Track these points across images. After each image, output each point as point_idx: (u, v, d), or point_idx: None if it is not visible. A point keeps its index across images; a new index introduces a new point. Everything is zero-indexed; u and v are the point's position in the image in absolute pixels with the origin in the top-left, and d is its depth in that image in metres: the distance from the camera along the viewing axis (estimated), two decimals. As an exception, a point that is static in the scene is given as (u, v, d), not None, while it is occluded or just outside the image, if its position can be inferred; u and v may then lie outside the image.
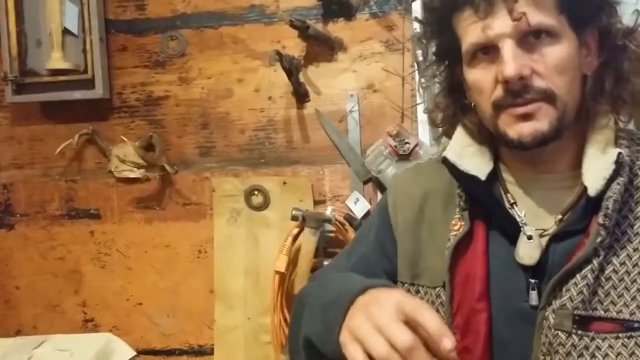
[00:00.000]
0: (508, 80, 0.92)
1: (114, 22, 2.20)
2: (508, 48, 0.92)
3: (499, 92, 0.94)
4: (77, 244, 2.25)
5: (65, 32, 2.17)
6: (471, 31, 0.95)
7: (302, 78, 2.08)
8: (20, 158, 2.28)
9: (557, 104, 0.93)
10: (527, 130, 0.94)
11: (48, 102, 2.22)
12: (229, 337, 2.15)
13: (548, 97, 0.93)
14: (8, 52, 2.15)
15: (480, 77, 0.96)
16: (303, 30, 1.99)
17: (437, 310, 1.03)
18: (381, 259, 1.15)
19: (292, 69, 2.00)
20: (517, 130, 0.94)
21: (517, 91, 0.92)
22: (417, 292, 1.07)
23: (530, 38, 0.93)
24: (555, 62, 0.93)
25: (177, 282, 2.21)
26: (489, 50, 0.94)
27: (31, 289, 2.28)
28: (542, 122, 0.93)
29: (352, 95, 2.09)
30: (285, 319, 2.06)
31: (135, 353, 2.20)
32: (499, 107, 0.95)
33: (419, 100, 2.04)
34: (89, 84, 2.16)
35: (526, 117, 0.93)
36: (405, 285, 1.09)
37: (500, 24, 0.92)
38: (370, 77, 2.09)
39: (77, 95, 2.17)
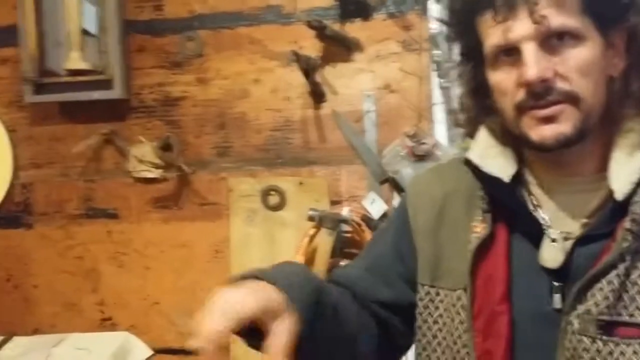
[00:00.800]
0: (530, 82, 0.90)
1: (132, 23, 2.21)
2: (530, 51, 0.90)
3: (521, 94, 0.93)
4: (95, 244, 2.27)
5: (84, 32, 2.18)
6: (493, 33, 0.94)
7: (318, 78, 2.08)
8: (39, 158, 2.30)
9: (581, 106, 0.92)
10: (549, 133, 0.92)
11: (67, 102, 2.24)
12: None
13: (571, 99, 0.91)
14: (27, 53, 2.17)
15: (502, 80, 0.95)
16: (320, 31, 1.99)
17: (458, 313, 1.02)
18: (395, 262, 1.14)
19: (309, 69, 2.00)
20: (539, 132, 0.93)
21: (539, 93, 0.91)
22: (437, 294, 1.06)
23: (553, 40, 0.91)
24: (579, 64, 0.91)
25: (194, 281, 2.21)
26: (511, 53, 0.93)
27: (49, 288, 2.30)
28: (565, 124, 0.92)
29: (369, 96, 2.09)
30: (301, 319, 2.05)
31: (152, 352, 2.21)
32: (521, 109, 0.94)
33: (436, 100, 2.03)
34: (107, 84, 2.17)
35: (549, 119, 0.92)
36: (425, 287, 1.08)
37: (522, 26, 0.91)
38: (387, 77, 2.08)
39: (96, 95, 2.19)
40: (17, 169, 2.30)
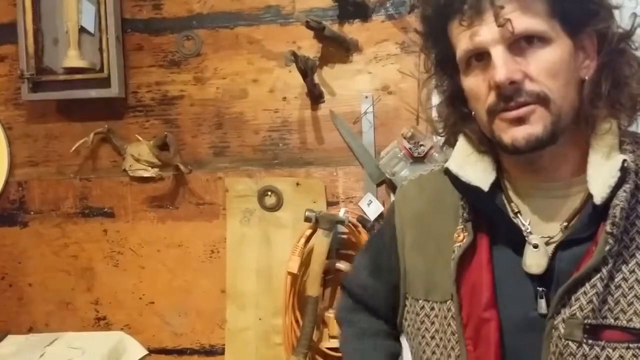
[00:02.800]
0: (499, 85, 0.92)
1: (130, 21, 2.21)
2: (498, 54, 0.92)
3: (492, 97, 0.94)
4: (91, 242, 2.26)
5: (82, 30, 2.18)
6: (463, 39, 0.95)
7: (317, 79, 2.08)
8: (35, 156, 2.29)
9: (551, 107, 0.92)
10: (520, 135, 0.93)
11: (64, 101, 2.23)
12: (240, 338, 2.15)
13: (541, 100, 0.92)
14: (25, 50, 2.17)
15: (475, 84, 0.96)
16: (319, 31, 1.99)
17: (449, 324, 1.02)
18: (376, 282, 1.23)
19: (307, 70, 2.00)
20: (510, 134, 0.94)
21: (509, 95, 0.92)
22: (432, 308, 1.07)
23: (521, 42, 0.92)
24: (548, 65, 0.92)
25: (189, 281, 2.21)
26: (481, 57, 0.94)
27: (44, 287, 2.29)
28: (535, 125, 0.92)
29: (367, 97, 2.09)
30: (296, 320, 2.05)
31: (146, 352, 2.21)
32: (492, 112, 0.95)
33: (434, 102, 2.03)
34: (105, 82, 2.16)
35: (519, 120, 0.93)
36: (420, 301, 1.09)
37: (489, 30, 0.92)
38: (385, 78, 2.08)
39: (93, 93, 2.18)
40: (13, 166, 2.30)
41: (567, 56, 0.93)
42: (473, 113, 1.01)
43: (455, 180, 1.02)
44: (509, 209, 1.01)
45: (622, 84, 0.96)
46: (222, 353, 2.18)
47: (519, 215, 1.01)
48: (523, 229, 0.99)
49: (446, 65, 1.04)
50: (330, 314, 2.10)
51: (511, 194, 1.03)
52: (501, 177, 1.03)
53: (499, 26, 0.90)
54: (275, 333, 2.12)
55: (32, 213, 2.30)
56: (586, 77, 0.96)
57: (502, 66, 0.91)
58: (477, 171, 1.01)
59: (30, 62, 2.17)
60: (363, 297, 1.26)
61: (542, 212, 1.00)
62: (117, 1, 2.17)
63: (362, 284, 1.26)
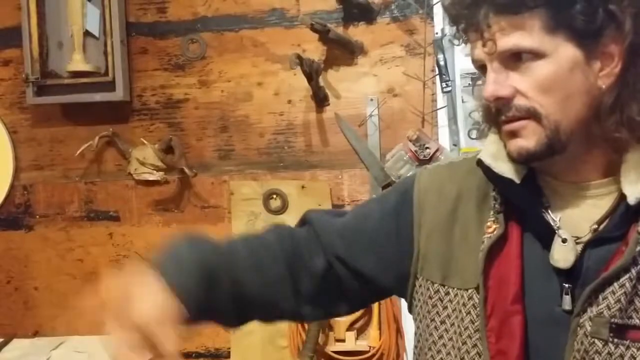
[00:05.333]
0: (487, 100, 0.93)
1: (135, 25, 2.21)
2: (489, 69, 0.93)
3: (492, 109, 0.95)
4: (96, 246, 2.26)
5: (87, 34, 2.18)
6: (471, 49, 0.97)
7: (322, 82, 2.07)
8: (40, 159, 2.29)
9: (544, 122, 0.91)
10: (513, 148, 0.94)
11: (69, 104, 2.23)
12: (246, 341, 2.14)
13: (532, 115, 0.92)
14: (29, 54, 2.17)
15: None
16: (324, 34, 1.99)
17: (469, 313, 1.02)
18: (381, 241, 1.10)
19: (312, 73, 1.99)
20: (508, 146, 0.96)
21: (499, 110, 0.93)
22: (447, 293, 1.06)
23: (513, 58, 0.92)
24: (539, 81, 0.91)
25: (195, 285, 2.20)
26: (484, 69, 0.95)
27: (50, 290, 2.29)
28: (527, 140, 0.93)
29: (372, 100, 2.08)
30: (302, 324, 2.05)
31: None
32: (496, 121, 0.96)
33: (439, 105, 2.03)
34: (110, 86, 2.17)
35: (513, 134, 0.94)
36: (436, 285, 1.08)
37: (481, 46, 0.93)
38: (390, 81, 2.08)
39: (98, 97, 2.18)
40: (18, 170, 2.30)
41: (566, 69, 0.91)
42: None
43: (487, 171, 1.02)
44: (539, 203, 1.00)
45: None
46: (228, 356, 2.18)
47: (549, 210, 1.00)
48: (552, 223, 0.98)
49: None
50: (336, 318, 2.09)
51: (543, 188, 1.02)
52: (534, 171, 1.02)
53: (483, 46, 0.92)
54: (281, 336, 2.11)
55: (37, 217, 2.30)
56: (603, 86, 0.93)
57: (489, 83, 0.92)
58: (509, 163, 1.00)
59: (35, 65, 2.17)
60: (319, 230, 1.11)
61: (573, 210, 0.99)
62: (121, 5, 2.17)
63: (330, 224, 1.12)
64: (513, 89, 0.91)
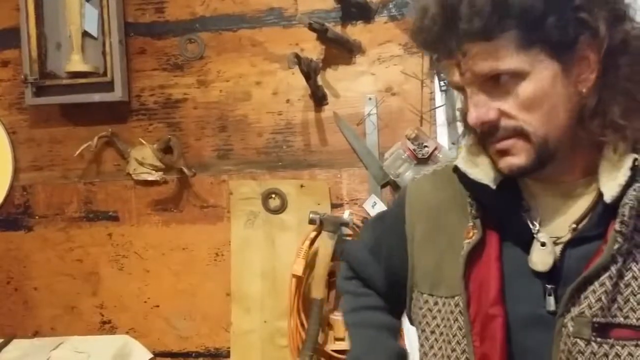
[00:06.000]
0: (474, 126, 0.94)
1: (133, 25, 2.21)
2: (469, 95, 0.93)
3: (477, 131, 0.96)
4: (95, 246, 2.26)
5: (85, 34, 2.19)
6: (446, 72, 0.97)
7: (320, 81, 2.07)
8: (39, 160, 2.29)
9: (532, 138, 0.92)
10: (505, 165, 0.95)
11: (67, 105, 2.23)
12: (246, 340, 2.15)
13: (519, 134, 0.92)
14: (28, 55, 2.17)
15: (465, 112, 0.97)
16: (322, 33, 1.99)
17: (456, 320, 1.02)
18: (375, 265, 1.22)
19: (310, 72, 1.99)
20: (499, 163, 0.96)
21: (487, 133, 0.94)
22: (436, 303, 1.07)
23: (492, 81, 0.91)
24: (522, 100, 0.91)
25: (194, 284, 2.21)
26: (464, 90, 0.95)
27: (49, 291, 2.29)
28: (518, 157, 0.94)
29: (370, 99, 2.08)
30: (302, 323, 2.05)
31: (152, 355, 2.21)
32: (484, 142, 0.97)
33: (437, 103, 2.03)
34: (108, 86, 2.17)
35: (503, 152, 0.95)
36: (424, 295, 1.09)
37: (462, 70, 0.92)
38: (388, 80, 2.08)
39: (97, 97, 2.18)
40: (17, 171, 2.30)
41: (547, 84, 0.91)
42: None
43: (463, 177, 1.02)
44: (517, 207, 1.01)
45: (623, 92, 0.92)
46: (228, 356, 2.18)
47: (527, 213, 1.01)
48: (531, 227, 0.99)
49: None
50: (335, 316, 2.10)
51: (523, 192, 1.03)
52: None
53: (460, 74, 0.92)
54: (281, 335, 2.11)
55: (36, 217, 2.30)
56: (584, 90, 0.93)
57: (472, 109, 0.92)
58: (486, 169, 1.00)
59: (33, 66, 2.17)
60: (362, 273, 1.26)
61: (552, 211, 1.00)
62: (120, 5, 2.17)
63: (363, 260, 1.25)
64: (497, 111, 0.92)
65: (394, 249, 1.16)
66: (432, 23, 0.91)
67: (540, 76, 0.90)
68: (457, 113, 1.14)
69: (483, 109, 0.92)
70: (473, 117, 0.92)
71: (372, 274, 1.23)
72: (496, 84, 0.91)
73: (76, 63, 2.17)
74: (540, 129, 0.92)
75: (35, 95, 2.19)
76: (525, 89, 0.90)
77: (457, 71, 0.93)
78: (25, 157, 2.30)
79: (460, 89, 0.95)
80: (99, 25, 2.19)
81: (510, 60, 0.89)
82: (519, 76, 0.90)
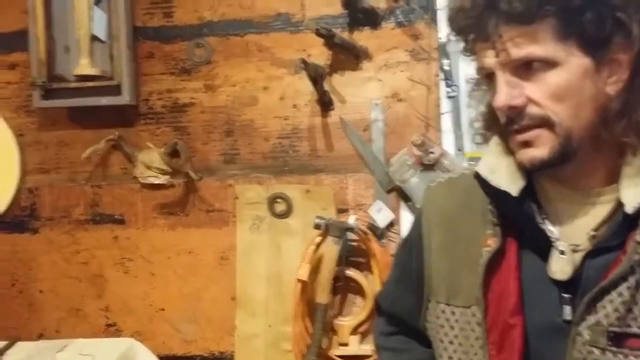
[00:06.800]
0: (499, 109, 0.94)
1: (141, 29, 2.22)
2: (499, 78, 0.93)
3: (502, 118, 0.96)
4: (101, 249, 2.27)
5: (93, 38, 2.19)
6: (477, 57, 0.97)
7: (327, 86, 2.08)
8: (46, 163, 2.30)
9: (557, 129, 0.92)
10: (525, 157, 0.95)
11: (75, 108, 2.24)
12: (250, 345, 2.15)
13: (545, 123, 0.92)
14: (36, 58, 2.18)
15: (492, 101, 0.97)
16: (329, 39, 1.99)
17: (473, 330, 1.02)
18: (404, 292, 1.20)
19: (317, 77, 2.00)
20: (519, 155, 0.97)
21: (512, 119, 0.94)
22: (453, 313, 1.07)
23: (524, 67, 0.92)
24: (552, 89, 0.92)
25: (200, 288, 2.21)
26: (492, 77, 0.96)
27: (55, 293, 2.29)
28: (541, 149, 0.94)
29: (376, 104, 2.09)
30: (306, 327, 2.05)
31: (156, 359, 2.21)
32: (505, 131, 0.97)
33: (444, 110, 2.03)
34: (116, 90, 2.18)
35: (526, 144, 0.95)
36: (441, 305, 1.09)
37: (492, 55, 0.93)
38: (395, 86, 2.08)
39: (104, 101, 2.19)
40: (24, 173, 2.30)
41: (578, 77, 0.92)
42: None
43: (484, 184, 1.02)
44: (537, 215, 1.01)
45: None
46: (233, 360, 2.19)
47: (546, 221, 1.01)
48: (550, 235, 0.99)
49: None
50: (339, 321, 2.10)
51: (540, 199, 1.03)
52: (532, 182, 1.03)
53: (495, 56, 0.92)
54: (285, 340, 2.11)
55: (43, 220, 2.30)
56: (612, 93, 0.94)
57: (501, 92, 0.93)
58: (507, 176, 1.01)
59: (41, 69, 2.18)
60: (394, 311, 1.25)
61: (571, 219, 1.00)
62: (128, 9, 2.18)
63: (392, 297, 1.26)
64: (526, 97, 0.92)
65: (417, 263, 1.15)
66: (472, 3, 0.92)
67: (572, 68, 0.91)
68: (475, 116, 1.13)
69: (514, 91, 0.92)
70: (502, 99, 0.92)
71: (406, 306, 1.21)
72: (528, 70, 0.92)
73: (84, 67, 2.18)
74: (566, 121, 0.92)
75: (43, 98, 2.20)
76: (556, 78, 0.91)
77: (491, 55, 0.93)
78: (32, 160, 2.31)
79: (489, 76, 0.96)
80: (107, 29, 2.19)
81: (546, 48, 0.90)
82: (551, 65, 0.91)
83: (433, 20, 2.04)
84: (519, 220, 1.01)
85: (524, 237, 1.01)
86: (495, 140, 1.05)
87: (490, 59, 0.93)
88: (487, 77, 0.97)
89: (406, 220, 2.04)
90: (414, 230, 1.20)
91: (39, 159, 2.30)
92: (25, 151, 2.30)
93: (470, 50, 1.00)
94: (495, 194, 1.02)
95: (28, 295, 2.31)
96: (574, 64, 0.91)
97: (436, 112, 2.05)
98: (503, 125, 0.96)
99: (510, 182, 1.00)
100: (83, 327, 2.27)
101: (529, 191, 1.02)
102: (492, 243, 1.02)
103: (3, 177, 2.30)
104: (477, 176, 1.03)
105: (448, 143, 2.03)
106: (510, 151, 1.02)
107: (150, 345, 2.22)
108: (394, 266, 1.29)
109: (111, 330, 2.27)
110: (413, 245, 1.18)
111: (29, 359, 2.16)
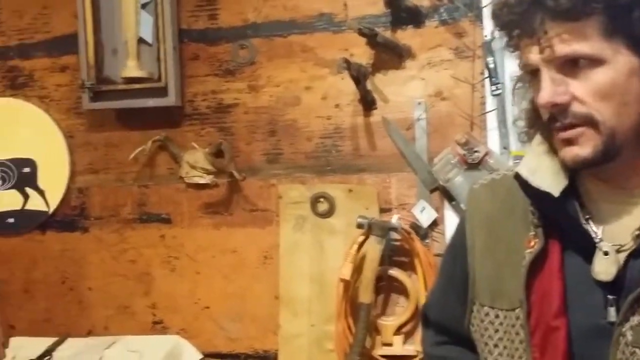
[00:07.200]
0: (543, 106, 0.93)
1: (186, 31, 2.25)
2: (544, 75, 0.92)
3: (546, 115, 0.95)
4: (148, 248, 2.31)
5: (140, 41, 2.24)
6: (522, 54, 0.96)
7: (369, 86, 2.08)
8: (95, 163, 2.35)
9: (601, 128, 0.91)
10: (568, 155, 0.94)
11: (123, 109, 2.29)
12: (293, 343, 2.16)
13: (589, 122, 0.91)
14: (85, 61, 2.23)
15: (535, 98, 0.96)
16: (371, 38, 1.99)
17: (518, 333, 1.01)
18: (451, 299, 1.19)
19: (359, 77, 2.00)
20: (562, 153, 0.95)
21: (555, 116, 0.93)
22: (497, 316, 1.06)
23: (570, 64, 0.91)
24: (597, 87, 0.90)
25: (244, 287, 2.23)
26: (536, 74, 0.95)
27: (103, 291, 2.34)
28: (584, 148, 0.92)
29: (419, 103, 2.08)
30: (349, 327, 2.05)
31: (202, 356, 2.23)
32: (549, 128, 0.96)
33: (489, 108, 2.01)
34: (162, 91, 2.21)
35: (569, 142, 0.94)
36: (485, 308, 1.08)
37: (536, 51, 0.92)
38: (438, 84, 2.07)
39: (151, 102, 2.23)
40: (74, 174, 2.36)
41: (624, 76, 0.90)
42: None
43: (525, 185, 1.01)
44: (580, 215, 0.99)
45: None
46: (276, 358, 2.19)
47: (590, 221, 0.99)
48: (593, 236, 0.98)
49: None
50: (382, 321, 2.09)
51: (584, 200, 1.01)
52: (574, 182, 1.02)
53: (540, 52, 0.91)
54: (328, 339, 2.12)
55: (92, 219, 2.36)
56: None
57: (545, 89, 0.92)
58: (548, 176, 0.99)
59: (90, 72, 2.23)
60: (442, 320, 1.24)
61: (615, 219, 0.98)
62: (174, 12, 2.22)
63: (439, 305, 1.25)
64: (570, 95, 0.91)
65: (462, 266, 1.15)
66: None
67: (618, 67, 0.90)
68: (518, 114, 1.11)
69: (558, 88, 0.91)
70: (546, 96, 0.91)
71: (453, 314, 1.18)
72: (573, 67, 0.91)
73: (132, 69, 2.23)
74: (610, 120, 0.91)
75: (92, 100, 2.25)
76: (602, 76, 0.90)
77: (535, 51, 0.92)
78: (81, 161, 2.36)
79: (533, 72, 0.95)
80: (153, 32, 2.24)
81: (593, 45, 0.89)
82: (597, 63, 0.90)
83: (477, 18, 2.02)
84: (561, 221, 1.00)
85: (567, 238, 1.00)
86: (537, 140, 1.04)
87: (535, 55, 0.92)
88: (531, 74, 0.96)
89: (450, 220, 2.02)
90: (457, 234, 1.20)
91: (88, 159, 2.36)
92: (75, 152, 2.36)
93: (514, 46, 0.99)
94: (536, 195, 1.01)
95: (78, 293, 2.37)
96: (620, 62, 0.90)
97: (481, 111, 2.03)
98: (546, 123, 0.95)
99: (552, 183, 0.99)
100: (130, 325, 2.31)
101: (571, 191, 1.00)
102: (534, 244, 1.01)
103: (54, 177, 2.36)
104: (518, 177, 1.02)
105: (493, 141, 2.00)
106: (552, 151, 1.01)
107: (195, 342, 2.25)
108: (439, 274, 1.28)
109: (158, 327, 2.30)
110: (457, 250, 1.17)
111: (79, 355, 2.22)
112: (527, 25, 0.92)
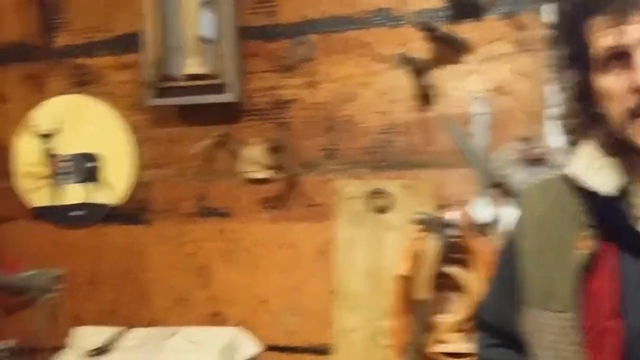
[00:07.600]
0: (637, 90, 0.90)
1: (246, 29, 2.28)
2: (634, 59, 0.90)
3: (633, 100, 0.91)
4: (208, 241, 2.35)
5: (201, 38, 2.27)
6: (604, 36, 0.93)
7: (427, 80, 2.06)
8: (158, 158, 2.41)
9: None
10: None
11: (184, 106, 2.34)
12: (349, 338, 2.16)
13: None
14: (149, 58, 2.29)
15: (612, 84, 0.94)
16: (429, 32, 1.97)
17: (568, 335, 0.99)
18: (504, 301, 1.17)
19: (417, 72, 1.99)
20: None
21: None
22: (548, 318, 1.04)
23: None
24: None
25: (300, 281, 2.25)
26: (621, 57, 0.92)
27: (163, 283, 2.40)
28: None
29: (478, 98, 2.04)
30: (406, 324, 2.04)
31: (260, 348, 2.26)
32: (631, 115, 0.92)
33: (550, 103, 1.96)
34: (222, 88, 2.25)
35: None
36: (536, 309, 1.06)
37: (634, 31, 0.89)
38: (498, 79, 2.03)
39: (211, 99, 2.27)
40: (138, 168, 2.43)
41: None
42: (603, 113, 0.98)
43: (578, 185, 0.99)
44: (632, 215, 0.97)
45: None
46: (332, 352, 2.20)
47: None
48: None
49: (577, 62, 1.01)
50: (439, 318, 2.07)
51: (636, 199, 0.98)
52: (629, 182, 0.99)
53: (627, 34, 0.89)
54: (384, 335, 2.11)
55: (155, 212, 2.42)
56: None
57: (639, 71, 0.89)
58: (600, 176, 0.98)
59: (153, 69, 2.29)
60: (496, 323, 1.23)
61: None
62: (234, 10, 2.25)
63: (493, 309, 1.24)
64: None
65: (512, 267, 1.13)
66: None
67: None
68: (567, 110, 1.09)
69: None
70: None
71: (507, 316, 1.17)
72: None
73: (193, 66, 2.27)
74: None
75: (155, 96, 2.31)
76: None
77: (619, 33, 0.90)
78: (146, 155, 2.42)
79: (611, 56, 0.92)
80: (214, 29, 2.27)
81: None
82: None
83: (539, 11, 1.97)
84: (614, 222, 0.98)
85: (620, 238, 0.98)
86: (589, 140, 1.02)
87: (628, 37, 0.90)
88: (609, 58, 0.93)
89: (508, 217, 1.98)
90: (509, 236, 1.19)
91: (151, 154, 2.42)
92: (138, 147, 2.42)
93: (573, 35, 0.97)
94: (588, 195, 0.98)
95: (140, 285, 2.43)
96: None
97: (542, 106, 1.98)
98: (634, 108, 0.92)
99: (604, 182, 0.97)
100: (190, 316, 2.36)
101: (624, 191, 0.98)
102: (586, 245, 0.99)
103: (118, 172, 2.43)
104: (569, 177, 1.00)
105: (554, 138, 1.95)
106: (605, 150, 0.99)
107: (253, 335, 2.28)
108: (493, 276, 1.27)
109: (216, 319, 2.35)
110: (508, 252, 1.16)
111: (142, 346, 2.28)
112: (618, 6, 0.90)
